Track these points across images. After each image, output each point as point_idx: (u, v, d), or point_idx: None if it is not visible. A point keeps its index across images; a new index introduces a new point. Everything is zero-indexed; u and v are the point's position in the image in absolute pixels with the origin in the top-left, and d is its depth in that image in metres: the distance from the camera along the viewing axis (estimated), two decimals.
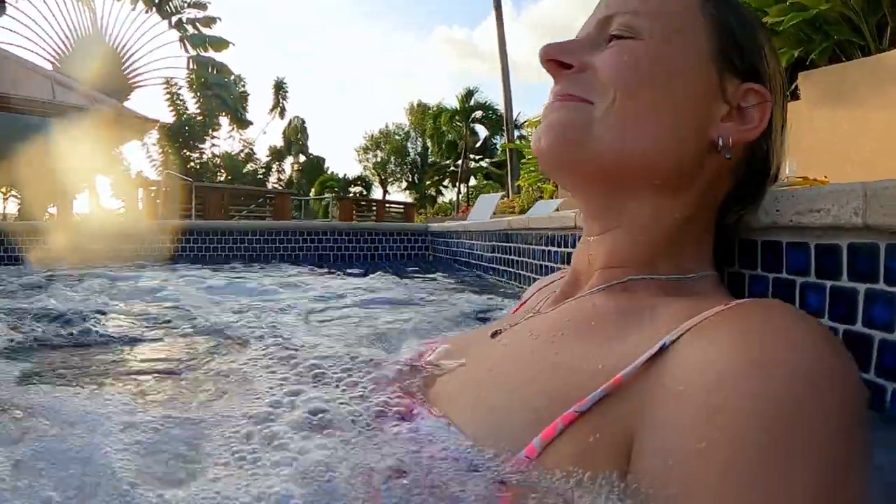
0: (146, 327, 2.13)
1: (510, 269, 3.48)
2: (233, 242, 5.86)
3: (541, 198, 13.50)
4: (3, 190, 24.49)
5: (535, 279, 2.99)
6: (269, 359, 1.22)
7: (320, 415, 0.87)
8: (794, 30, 6.41)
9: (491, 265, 3.91)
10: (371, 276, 4.04)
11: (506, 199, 16.41)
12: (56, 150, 11.21)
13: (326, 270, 4.61)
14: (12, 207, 24.24)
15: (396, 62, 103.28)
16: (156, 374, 1.42)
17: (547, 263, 2.81)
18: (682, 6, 0.90)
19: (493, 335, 0.98)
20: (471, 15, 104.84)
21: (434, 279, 4.11)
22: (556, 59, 0.92)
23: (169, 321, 2.23)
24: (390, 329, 2.01)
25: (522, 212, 12.83)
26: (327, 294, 3.07)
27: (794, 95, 6.06)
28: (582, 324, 0.84)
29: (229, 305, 2.58)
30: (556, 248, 2.71)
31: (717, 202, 0.93)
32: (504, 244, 3.59)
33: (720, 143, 0.87)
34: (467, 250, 4.61)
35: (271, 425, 0.86)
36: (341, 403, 0.90)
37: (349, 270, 4.58)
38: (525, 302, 1.22)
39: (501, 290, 3.35)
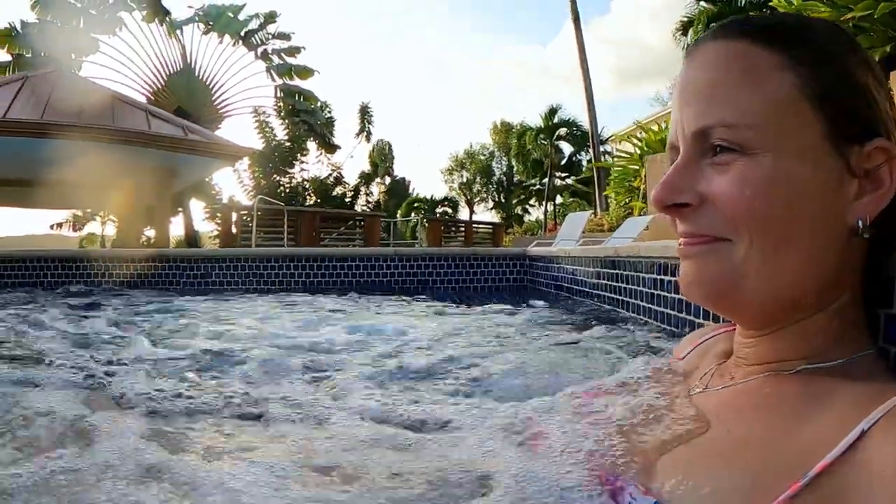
0: None
1: (618, 297, 3.43)
2: (325, 269, 5.97)
3: (630, 214, 13.29)
4: (102, 214, 25.77)
5: (646, 308, 2.93)
6: None
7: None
8: (882, 26, 6.25)
9: (596, 291, 3.86)
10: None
11: (594, 217, 16.25)
12: (152, 178, 11.75)
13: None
14: (110, 230, 25.55)
15: (471, 81, 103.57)
16: None
17: (659, 293, 2.76)
18: (781, 101, 0.82)
19: None
20: (540, 33, 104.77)
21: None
22: (674, 204, 0.89)
23: None
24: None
25: (612, 229, 12.65)
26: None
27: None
28: (765, 407, 0.84)
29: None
30: (668, 278, 2.65)
31: (862, 266, 0.89)
32: (610, 271, 3.55)
33: (860, 225, 0.82)
34: (570, 276, 4.59)
35: None
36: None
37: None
38: (684, 357, 1.18)
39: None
